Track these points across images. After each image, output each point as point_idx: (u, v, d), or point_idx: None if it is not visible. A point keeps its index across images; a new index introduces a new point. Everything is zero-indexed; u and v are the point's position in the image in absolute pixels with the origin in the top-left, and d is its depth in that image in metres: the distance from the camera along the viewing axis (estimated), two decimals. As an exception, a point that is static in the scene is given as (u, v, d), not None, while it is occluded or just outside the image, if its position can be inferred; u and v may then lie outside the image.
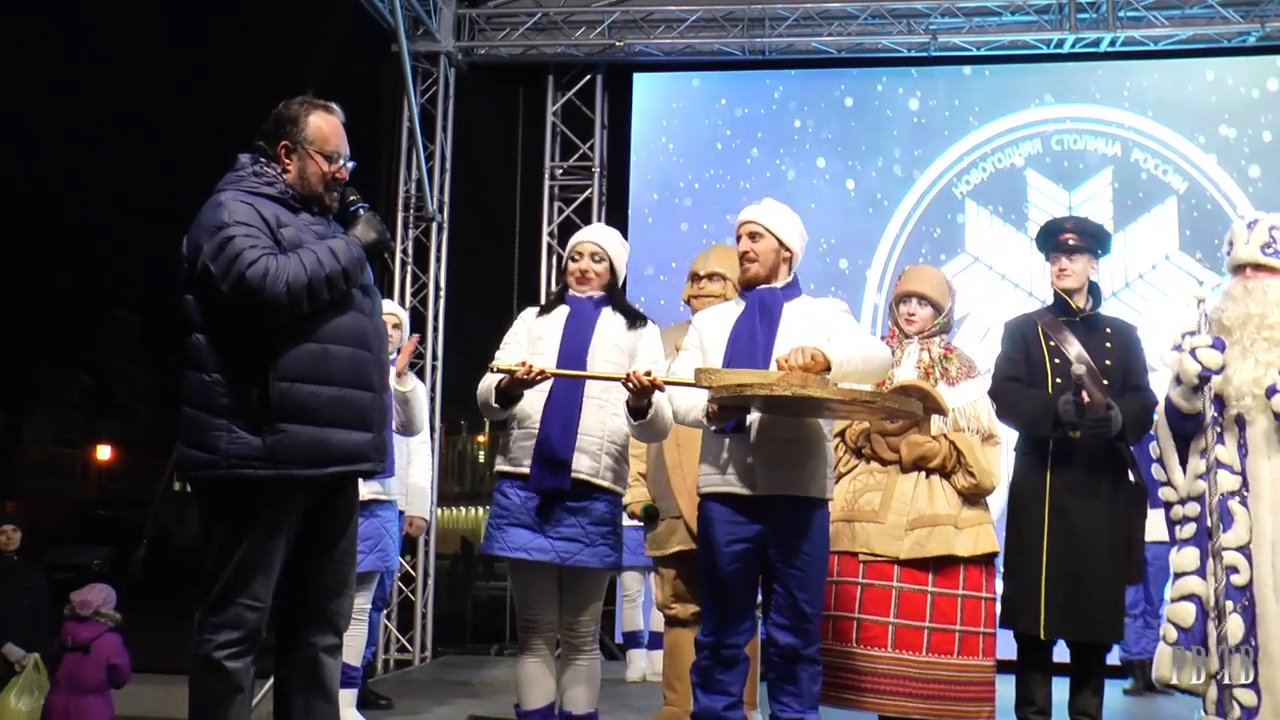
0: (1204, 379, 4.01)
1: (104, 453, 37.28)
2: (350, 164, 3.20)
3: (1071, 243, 4.34)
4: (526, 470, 3.75)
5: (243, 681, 3.01)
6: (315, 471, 3.00)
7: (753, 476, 3.61)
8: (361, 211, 3.18)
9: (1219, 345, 4.03)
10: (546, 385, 3.77)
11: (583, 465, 3.76)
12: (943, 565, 4.02)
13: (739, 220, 3.87)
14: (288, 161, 3.12)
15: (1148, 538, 4.40)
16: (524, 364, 3.47)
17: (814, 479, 3.65)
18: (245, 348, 2.97)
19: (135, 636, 5.29)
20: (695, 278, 4.67)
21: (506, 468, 3.83)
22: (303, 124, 3.11)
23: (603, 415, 3.80)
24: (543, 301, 4.07)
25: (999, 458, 4.20)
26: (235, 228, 2.93)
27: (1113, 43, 8.16)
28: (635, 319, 3.94)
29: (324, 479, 3.03)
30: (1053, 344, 4.30)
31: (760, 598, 3.78)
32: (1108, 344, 4.28)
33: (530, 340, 3.91)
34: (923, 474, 4.09)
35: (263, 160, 3.11)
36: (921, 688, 3.95)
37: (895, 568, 4.01)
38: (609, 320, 3.91)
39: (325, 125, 3.14)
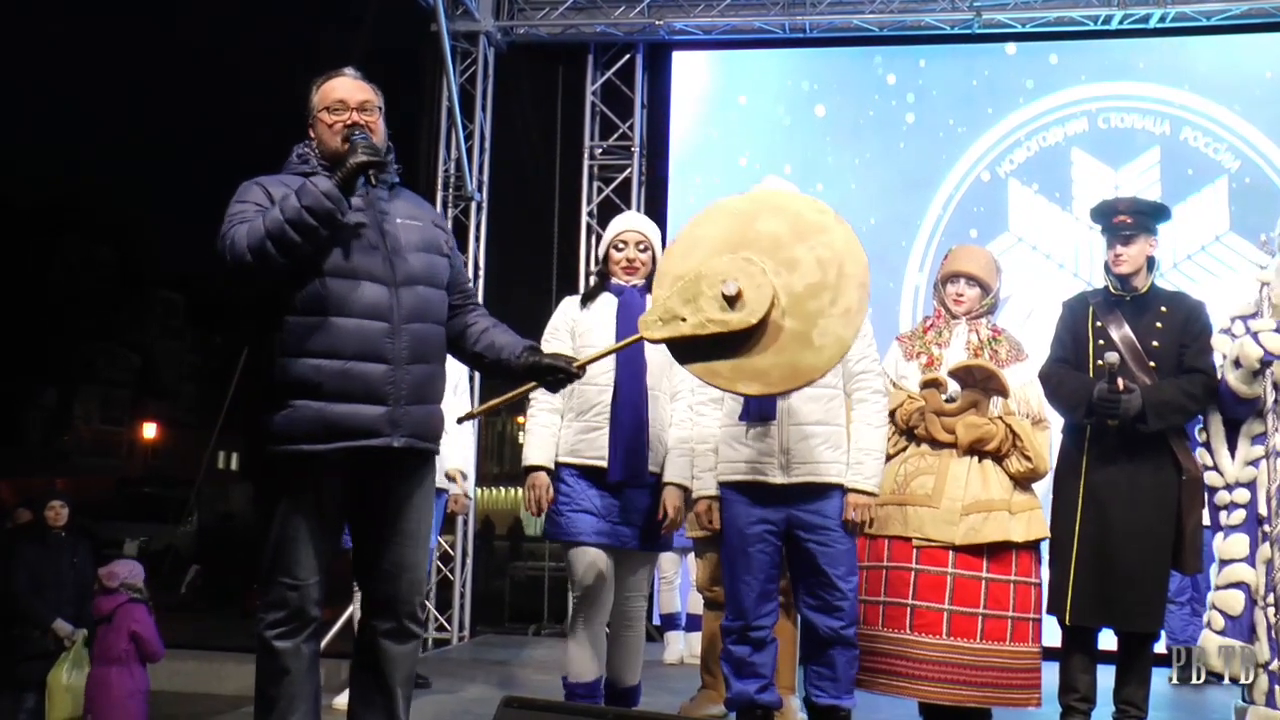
0: (1265, 363, 3.92)
1: (149, 431, 37.79)
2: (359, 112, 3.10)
3: (1127, 229, 4.18)
4: (592, 462, 3.83)
5: (290, 663, 3.01)
6: (321, 447, 2.96)
7: (775, 465, 3.70)
8: (354, 139, 3.06)
9: None
10: (610, 380, 3.82)
11: (649, 457, 3.86)
12: (997, 551, 3.96)
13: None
14: (313, 136, 3.18)
15: None
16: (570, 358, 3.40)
17: (835, 464, 3.72)
18: (263, 328, 3.03)
19: (183, 614, 5.34)
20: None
21: (570, 460, 3.88)
22: (312, 97, 3.18)
23: (658, 407, 3.88)
24: (582, 286, 4.07)
25: (1049, 442, 4.12)
26: (232, 208, 3.01)
27: (1162, 19, 7.97)
28: None
29: (332, 455, 2.97)
30: (1099, 324, 4.19)
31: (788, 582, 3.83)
32: (1158, 324, 4.15)
33: (576, 333, 3.94)
34: (975, 458, 4.01)
35: (305, 144, 3.20)
36: (975, 675, 3.90)
37: (950, 553, 3.94)
38: None
39: (326, 86, 3.17)
